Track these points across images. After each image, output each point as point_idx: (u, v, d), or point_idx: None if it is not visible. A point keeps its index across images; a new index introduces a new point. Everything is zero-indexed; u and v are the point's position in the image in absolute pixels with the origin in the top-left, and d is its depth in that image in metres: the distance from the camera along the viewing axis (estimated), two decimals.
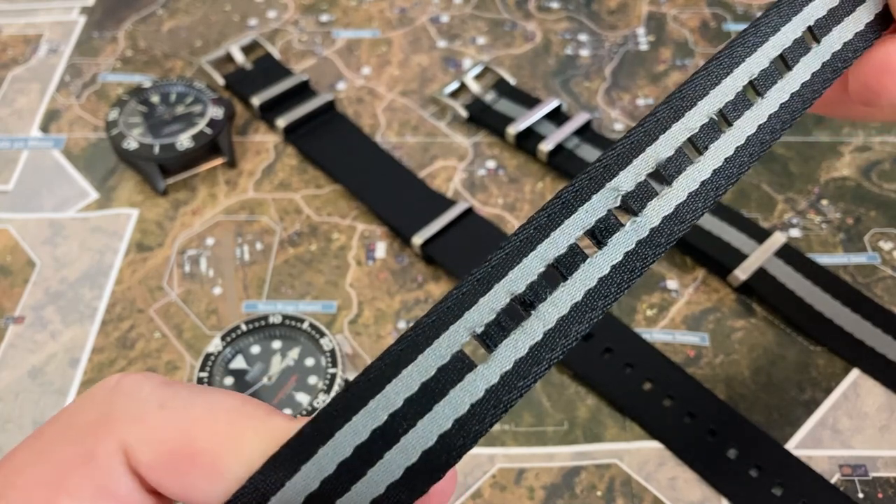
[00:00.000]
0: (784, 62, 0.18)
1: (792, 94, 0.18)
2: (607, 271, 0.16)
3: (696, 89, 0.17)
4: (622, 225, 0.16)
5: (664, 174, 0.17)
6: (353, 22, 0.48)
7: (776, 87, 0.18)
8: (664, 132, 0.17)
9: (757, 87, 0.18)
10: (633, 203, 0.16)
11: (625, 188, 0.16)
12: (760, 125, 0.17)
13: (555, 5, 0.49)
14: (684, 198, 0.16)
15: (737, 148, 0.17)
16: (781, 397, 0.32)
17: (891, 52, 0.21)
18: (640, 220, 0.16)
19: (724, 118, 0.17)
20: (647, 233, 0.16)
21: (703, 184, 0.17)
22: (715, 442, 0.31)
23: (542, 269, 0.15)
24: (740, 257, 0.36)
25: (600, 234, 0.16)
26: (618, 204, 0.16)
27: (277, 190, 0.40)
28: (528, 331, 0.15)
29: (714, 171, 0.17)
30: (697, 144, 0.17)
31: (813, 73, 0.18)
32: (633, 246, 0.16)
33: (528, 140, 0.41)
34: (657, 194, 0.16)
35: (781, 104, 0.18)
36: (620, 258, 0.16)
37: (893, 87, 0.21)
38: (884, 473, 0.30)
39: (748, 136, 0.17)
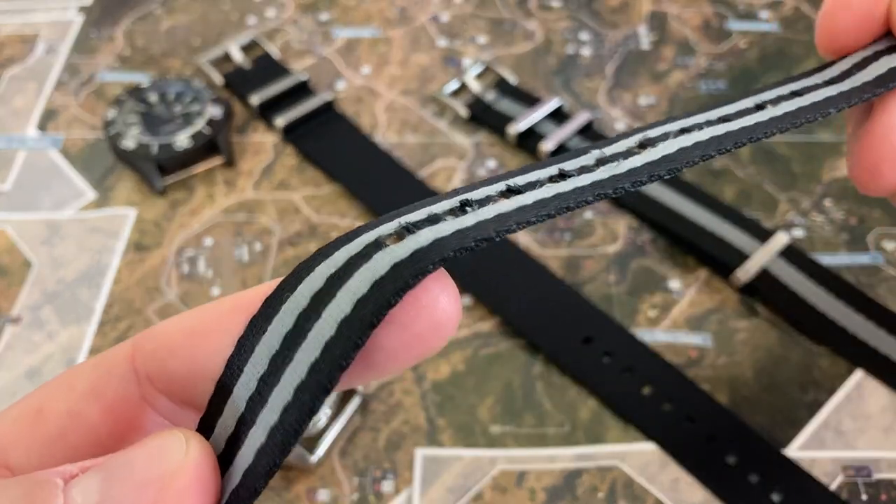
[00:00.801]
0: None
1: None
2: (567, 189, 0.15)
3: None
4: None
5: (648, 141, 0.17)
6: (352, 21, 0.48)
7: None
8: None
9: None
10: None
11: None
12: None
13: (556, 4, 0.49)
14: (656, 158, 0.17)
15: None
16: (784, 399, 0.32)
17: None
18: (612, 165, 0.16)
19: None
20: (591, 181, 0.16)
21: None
22: (714, 447, 0.31)
23: (493, 192, 0.15)
24: (742, 257, 0.35)
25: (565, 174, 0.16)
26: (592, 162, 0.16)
27: (276, 190, 0.40)
28: (459, 220, 0.14)
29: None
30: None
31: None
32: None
33: (529, 140, 0.41)
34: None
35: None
36: (584, 183, 0.16)
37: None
38: (888, 475, 0.30)
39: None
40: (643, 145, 0.17)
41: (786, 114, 0.19)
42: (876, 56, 0.21)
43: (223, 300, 0.15)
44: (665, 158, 0.16)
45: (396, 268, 0.13)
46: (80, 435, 0.15)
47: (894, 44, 0.21)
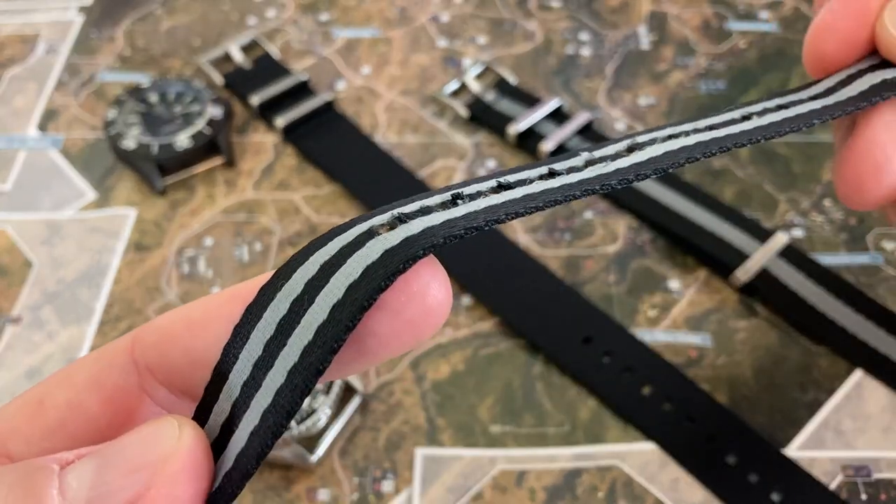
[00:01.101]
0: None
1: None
2: (555, 186, 0.16)
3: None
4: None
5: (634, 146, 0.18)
6: (352, 21, 0.48)
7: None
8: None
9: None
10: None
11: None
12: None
13: (556, 4, 0.49)
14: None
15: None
16: (784, 398, 0.32)
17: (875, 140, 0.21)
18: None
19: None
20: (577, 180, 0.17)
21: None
22: (714, 447, 0.31)
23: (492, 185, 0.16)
24: (742, 257, 0.35)
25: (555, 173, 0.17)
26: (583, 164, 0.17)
27: (276, 190, 0.40)
28: (450, 211, 0.15)
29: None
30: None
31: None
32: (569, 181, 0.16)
33: (528, 140, 0.41)
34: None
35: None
36: (559, 184, 0.16)
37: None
38: (887, 475, 0.30)
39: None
40: (631, 149, 0.17)
41: (770, 123, 0.19)
42: (860, 73, 0.22)
43: (220, 292, 0.16)
44: (651, 160, 0.17)
45: (387, 254, 0.13)
46: (79, 425, 0.15)
47: (878, 62, 0.22)
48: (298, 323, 0.13)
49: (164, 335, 0.16)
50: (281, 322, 0.14)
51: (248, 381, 0.14)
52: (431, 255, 0.14)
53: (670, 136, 0.18)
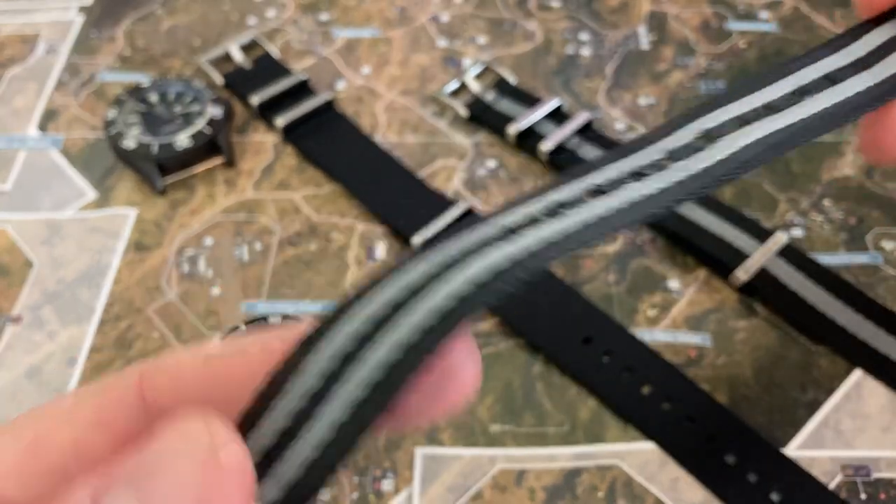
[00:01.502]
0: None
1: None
2: (654, 191, 0.16)
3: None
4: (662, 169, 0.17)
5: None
6: (352, 21, 0.48)
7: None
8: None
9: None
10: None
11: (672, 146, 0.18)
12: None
13: (555, 4, 0.49)
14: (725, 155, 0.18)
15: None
16: (783, 398, 0.32)
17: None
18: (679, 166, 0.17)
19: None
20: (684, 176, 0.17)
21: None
22: (714, 446, 0.31)
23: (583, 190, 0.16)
24: (742, 257, 0.35)
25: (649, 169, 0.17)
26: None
27: (276, 190, 0.40)
28: (560, 221, 0.15)
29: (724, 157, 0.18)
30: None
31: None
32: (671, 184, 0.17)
33: (528, 139, 0.41)
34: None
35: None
36: (664, 185, 0.16)
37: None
38: (886, 474, 0.30)
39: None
40: (707, 138, 0.17)
41: (825, 111, 0.19)
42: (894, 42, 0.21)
43: (234, 345, 0.15)
44: (734, 158, 0.17)
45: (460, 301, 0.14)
46: (83, 465, 0.14)
47: None
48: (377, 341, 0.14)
49: (177, 380, 0.15)
50: (361, 336, 0.14)
51: (318, 393, 0.14)
52: (468, 333, 0.15)
53: (740, 122, 0.18)
